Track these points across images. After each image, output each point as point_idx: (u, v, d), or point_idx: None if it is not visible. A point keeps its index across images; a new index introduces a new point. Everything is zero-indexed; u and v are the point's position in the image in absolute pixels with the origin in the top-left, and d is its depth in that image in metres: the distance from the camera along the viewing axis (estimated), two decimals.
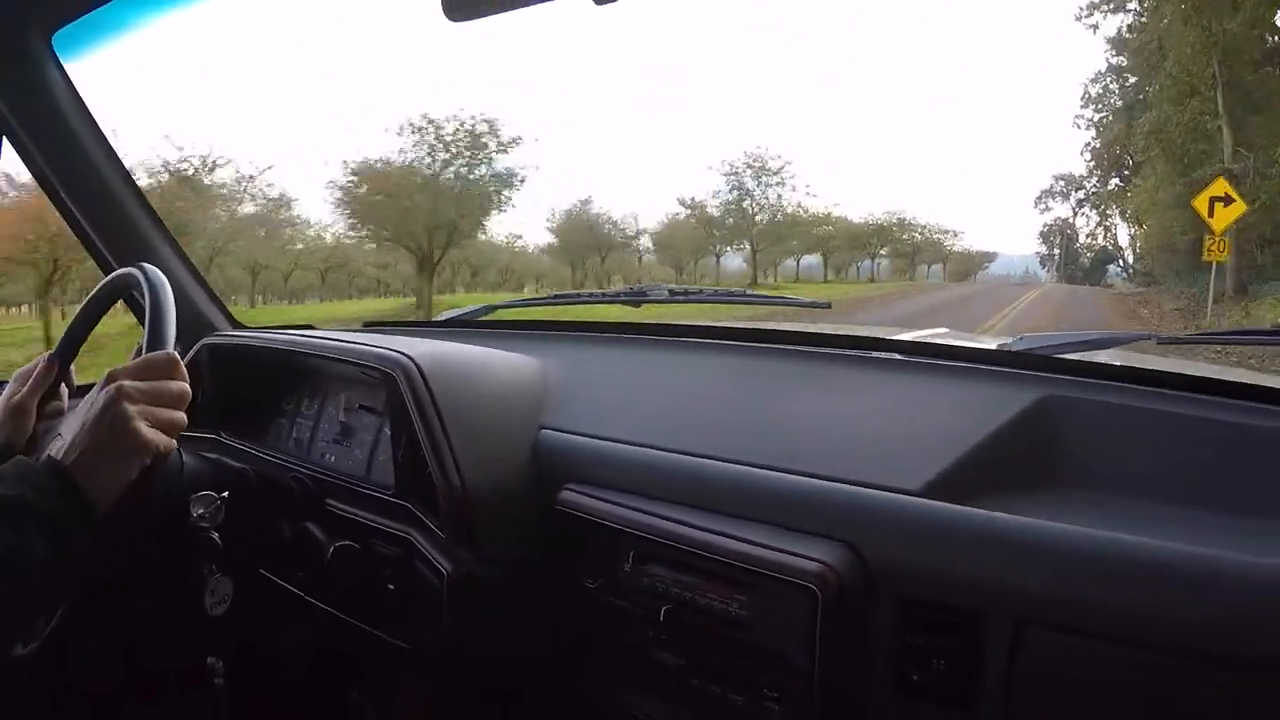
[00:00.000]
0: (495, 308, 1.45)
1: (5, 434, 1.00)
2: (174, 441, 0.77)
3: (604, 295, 1.42)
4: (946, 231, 36.21)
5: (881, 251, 33.39)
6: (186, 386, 0.79)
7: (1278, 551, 0.57)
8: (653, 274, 27.00)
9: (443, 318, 1.47)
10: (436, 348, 1.01)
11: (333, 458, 1.09)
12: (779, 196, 26.71)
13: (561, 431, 0.94)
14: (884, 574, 0.69)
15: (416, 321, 1.52)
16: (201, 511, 0.86)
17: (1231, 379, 0.79)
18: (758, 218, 26.41)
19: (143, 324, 1.47)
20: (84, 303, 1.04)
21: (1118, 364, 0.87)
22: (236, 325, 1.45)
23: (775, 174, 26.03)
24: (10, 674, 0.72)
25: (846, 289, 24.87)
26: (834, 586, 0.68)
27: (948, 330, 1.71)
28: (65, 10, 1.20)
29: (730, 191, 26.03)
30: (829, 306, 1.26)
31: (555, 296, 1.54)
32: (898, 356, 0.98)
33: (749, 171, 26.04)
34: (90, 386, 0.80)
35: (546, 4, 0.83)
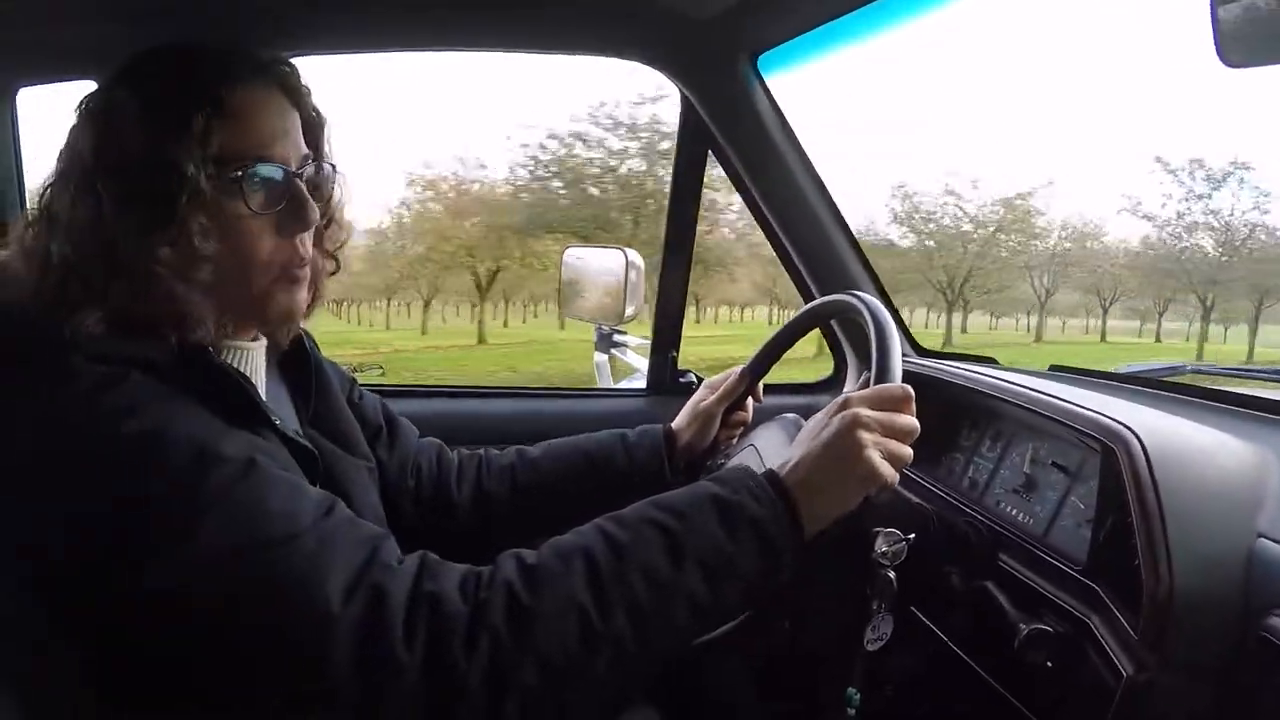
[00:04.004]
0: (1186, 369, 1.31)
1: (689, 435, 1.10)
2: (898, 475, 0.76)
3: None
4: None
5: None
6: (916, 422, 0.78)
7: None
8: None
9: (1124, 370, 1.35)
10: (1159, 423, 0.93)
11: (1010, 509, 1.07)
12: None
13: None
14: None
15: (1103, 373, 1.39)
16: (885, 550, 0.85)
17: None
18: None
19: (831, 348, 1.60)
20: (787, 323, 1.10)
21: None
22: (922, 352, 1.52)
23: None
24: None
25: None
26: None
27: None
28: (772, 35, 1.27)
29: None
30: None
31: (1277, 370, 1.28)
32: None
33: None
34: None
35: None
